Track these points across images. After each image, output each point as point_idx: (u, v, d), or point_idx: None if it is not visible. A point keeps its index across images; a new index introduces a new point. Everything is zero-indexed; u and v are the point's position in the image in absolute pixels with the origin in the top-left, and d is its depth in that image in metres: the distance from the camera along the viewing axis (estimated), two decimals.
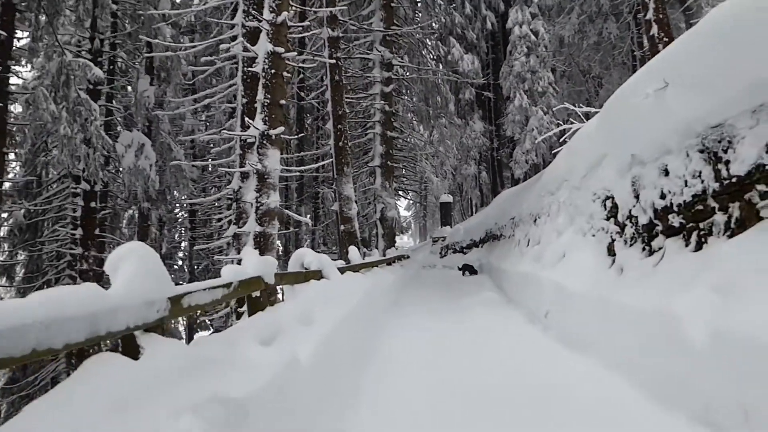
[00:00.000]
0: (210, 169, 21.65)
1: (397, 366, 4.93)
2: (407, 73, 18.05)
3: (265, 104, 9.28)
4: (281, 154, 9.90)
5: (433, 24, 28.88)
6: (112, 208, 24.34)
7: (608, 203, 6.00)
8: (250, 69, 9.54)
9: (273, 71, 9.31)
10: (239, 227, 9.51)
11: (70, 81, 10.94)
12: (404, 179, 31.71)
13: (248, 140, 9.59)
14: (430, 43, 20.48)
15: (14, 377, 23.44)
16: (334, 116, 13.10)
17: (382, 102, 17.18)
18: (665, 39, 14.09)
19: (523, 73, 27.92)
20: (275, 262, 4.05)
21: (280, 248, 33.50)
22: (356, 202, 22.90)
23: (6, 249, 25.17)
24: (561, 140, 21.33)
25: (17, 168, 29.22)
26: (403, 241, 63.86)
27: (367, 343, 5.28)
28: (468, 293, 12.34)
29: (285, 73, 9.49)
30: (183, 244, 34.77)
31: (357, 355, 4.61)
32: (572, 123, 10.00)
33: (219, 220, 13.00)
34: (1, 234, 24.91)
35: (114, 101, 18.63)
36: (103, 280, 20.01)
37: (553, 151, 21.13)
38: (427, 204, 54.81)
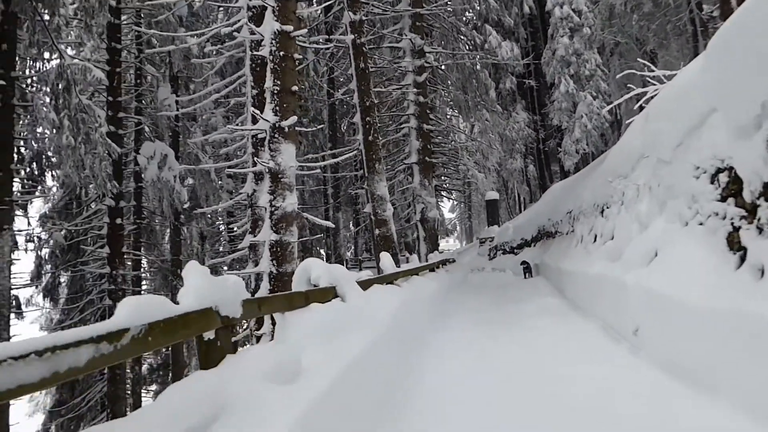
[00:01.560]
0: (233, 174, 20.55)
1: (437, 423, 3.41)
2: (441, 61, 16.52)
3: (275, 92, 7.95)
4: (297, 148, 8.56)
5: (467, 13, 27.25)
6: (147, 224, 23.76)
7: (722, 177, 4.34)
8: (256, 53, 8.23)
9: (282, 53, 7.98)
10: (254, 236, 8.20)
11: (71, 86, 9.96)
12: (445, 178, 30.09)
13: (259, 135, 8.29)
14: (464, 29, 18.85)
15: (62, 399, 23.05)
16: (362, 108, 11.73)
17: (416, 93, 15.71)
18: None
19: (568, 57, 25.91)
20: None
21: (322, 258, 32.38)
22: (394, 203, 21.46)
23: (48, 271, 24.89)
24: (613, 126, 19.11)
25: (55, 189, 29.08)
26: (449, 244, 62.00)
27: (394, 388, 3.81)
28: (524, 299, 10.71)
29: (296, 55, 8.14)
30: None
31: (374, 412, 3.15)
32: (643, 88, 8.28)
33: (231, 230, 11.77)
34: (44, 256, 24.66)
35: (144, 114, 17.89)
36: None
37: (626, 122, 19.04)
38: (472, 204, 52.86)
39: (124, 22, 16.82)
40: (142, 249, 23.62)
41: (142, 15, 17.41)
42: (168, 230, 26.79)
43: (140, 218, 20.65)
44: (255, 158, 7.78)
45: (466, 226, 60.67)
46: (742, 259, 3.94)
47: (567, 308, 8.92)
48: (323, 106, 25.32)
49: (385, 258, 7.35)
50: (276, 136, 7.91)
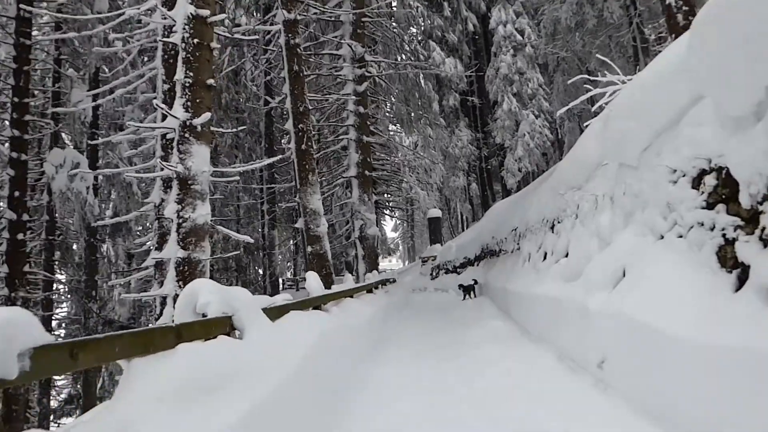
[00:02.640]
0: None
1: None
2: (383, 71, 15.76)
3: (187, 85, 6.85)
4: (212, 150, 7.45)
5: (411, 29, 26.85)
6: (62, 240, 21.67)
7: (708, 180, 3.59)
8: (167, 40, 7.10)
9: (195, 41, 6.90)
10: (159, 253, 6.99)
11: None
12: (388, 195, 29.30)
13: (168, 135, 7.13)
14: (407, 45, 18.21)
15: None
16: (294, 113, 10.72)
17: (356, 102, 14.85)
18: (684, 7, 11.80)
19: (511, 75, 25.91)
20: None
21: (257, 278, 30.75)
22: (332, 220, 20.39)
23: None
24: (556, 144, 18.82)
25: None
26: (392, 264, 61.24)
27: None
28: (470, 323, 9.87)
29: (213, 44, 7.07)
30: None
31: None
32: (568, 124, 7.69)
33: (141, 245, 10.43)
34: None
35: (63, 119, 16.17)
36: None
37: (567, 143, 18.81)
38: (415, 223, 52.40)
39: (41, 13, 15.21)
40: (57, 268, 21.54)
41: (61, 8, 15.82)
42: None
43: (52, 234, 18.72)
44: (161, 162, 6.59)
45: (408, 246, 60.15)
46: (742, 280, 3.17)
47: (516, 333, 8.12)
48: (260, 119, 24.14)
49: (311, 279, 6.30)
50: (186, 135, 6.79)
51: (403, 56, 18.11)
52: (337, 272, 25.64)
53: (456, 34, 27.48)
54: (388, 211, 31.72)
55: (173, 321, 3.28)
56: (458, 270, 19.62)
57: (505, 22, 26.20)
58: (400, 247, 67.28)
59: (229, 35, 7.92)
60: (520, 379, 5.17)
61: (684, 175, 3.92)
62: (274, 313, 4.19)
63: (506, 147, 25.59)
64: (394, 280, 16.82)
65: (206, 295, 3.26)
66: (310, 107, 11.23)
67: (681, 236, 3.87)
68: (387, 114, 20.78)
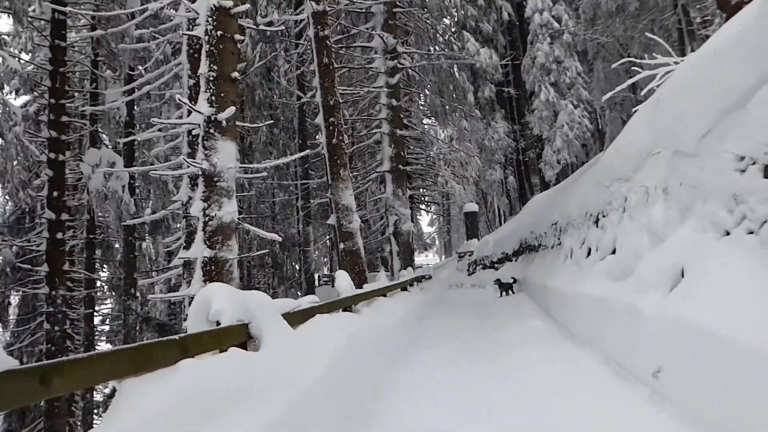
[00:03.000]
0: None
1: None
2: (416, 63, 15.35)
3: (211, 79, 6.64)
4: (247, 147, 7.21)
5: (445, 20, 26.31)
6: (103, 239, 22.07)
7: None
8: (191, 34, 6.92)
9: (219, 33, 6.68)
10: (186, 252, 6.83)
11: None
12: (423, 190, 28.90)
13: (194, 131, 6.95)
14: (440, 30, 17.70)
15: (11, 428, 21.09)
16: (325, 107, 10.46)
17: (388, 94, 14.50)
18: None
19: (548, 65, 25.08)
20: None
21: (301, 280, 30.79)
22: (365, 216, 20.10)
23: None
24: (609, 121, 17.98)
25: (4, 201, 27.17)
26: (428, 259, 60.77)
27: None
28: (507, 321, 9.45)
29: (237, 36, 6.84)
30: None
31: None
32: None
33: (171, 244, 10.34)
34: None
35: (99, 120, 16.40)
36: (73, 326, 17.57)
37: (608, 134, 18.08)
38: (451, 218, 51.76)
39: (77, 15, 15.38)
40: (95, 266, 21.94)
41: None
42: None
43: (93, 233, 19.03)
44: (185, 159, 6.41)
45: (445, 241, 59.56)
46: None
47: (558, 334, 7.67)
48: (293, 115, 24.05)
49: (341, 278, 6.02)
50: (211, 131, 6.58)
51: (437, 47, 17.64)
52: (373, 268, 25.41)
53: (490, 24, 26.80)
54: (423, 206, 31.33)
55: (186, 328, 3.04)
56: (496, 265, 19.11)
57: (541, 9, 25.37)
58: (437, 242, 66.69)
59: (255, 27, 7.68)
60: (563, 385, 4.78)
61: (754, 163, 3.45)
62: (298, 318, 3.91)
63: (544, 138, 24.82)
64: (430, 277, 16.46)
65: (220, 302, 3.00)
66: (341, 101, 10.96)
67: (752, 232, 3.42)
68: (421, 107, 20.38)
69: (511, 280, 14.38)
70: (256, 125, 7.42)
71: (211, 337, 2.68)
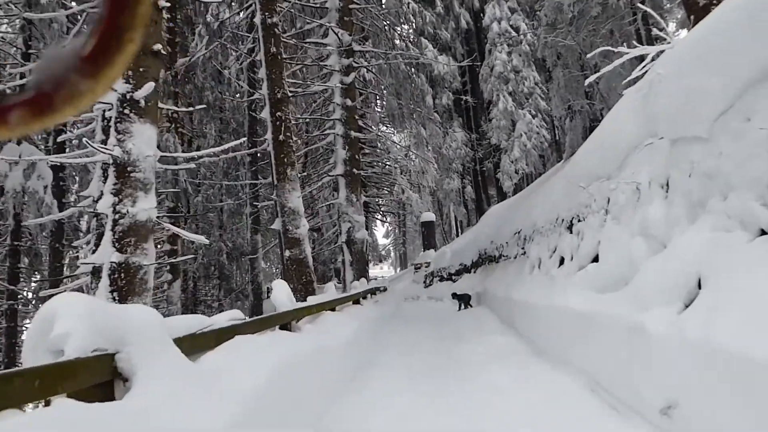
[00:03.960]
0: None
1: None
2: (372, 63, 14.51)
3: None
4: (162, 131, 6.16)
5: (403, 25, 25.70)
6: (29, 246, 20.20)
7: None
8: None
9: None
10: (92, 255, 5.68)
11: None
12: (378, 199, 28.01)
13: (107, 112, 5.84)
14: (398, 34, 16.92)
15: None
16: (272, 100, 9.44)
17: (342, 94, 13.58)
18: None
19: (506, 73, 24.77)
20: None
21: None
22: (318, 223, 19.05)
23: None
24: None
25: None
26: (383, 271, 59.87)
27: None
28: (470, 337, 8.61)
29: (162, 2, 5.77)
30: None
31: None
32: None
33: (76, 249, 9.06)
34: None
35: None
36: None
37: (568, 142, 17.65)
38: (407, 229, 51.08)
39: None
40: (21, 274, 20.03)
41: None
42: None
43: (17, 239, 17.26)
44: (89, 142, 5.27)
45: (400, 252, 58.79)
46: None
47: (527, 351, 6.85)
48: (244, 118, 22.83)
49: (278, 290, 5.00)
50: (126, 111, 5.48)
51: (394, 49, 16.86)
52: (327, 279, 24.30)
53: (449, 31, 26.34)
54: (379, 216, 30.45)
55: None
56: (453, 277, 18.36)
57: (499, 18, 25.11)
58: (392, 254, 65.90)
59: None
60: (543, 420, 3.91)
61: None
62: (208, 342, 2.88)
63: (502, 148, 24.43)
64: (385, 289, 15.53)
65: (67, 321, 1.96)
66: (291, 95, 9.97)
67: None
68: (377, 112, 19.55)
69: (469, 293, 13.61)
70: (187, 110, 6.33)
71: (30, 379, 1.64)
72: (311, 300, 6.16)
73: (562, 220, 7.38)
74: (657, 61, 4.84)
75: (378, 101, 19.06)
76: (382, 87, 15.91)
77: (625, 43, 17.42)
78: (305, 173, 16.15)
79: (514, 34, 25.18)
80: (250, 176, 20.60)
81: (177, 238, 20.63)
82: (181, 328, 2.71)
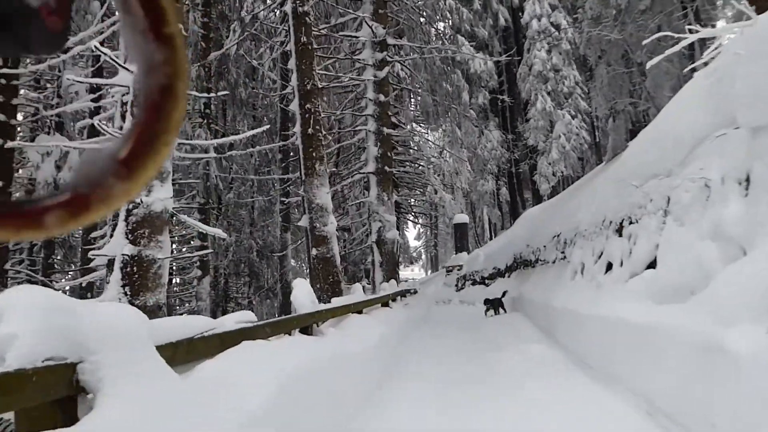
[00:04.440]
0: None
1: None
2: (407, 57, 14.03)
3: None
4: (195, 127, 5.81)
5: (439, 23, 25.16)
6: (63, 241, 20.42)
7: None
8: None
9: None
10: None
11: None
12: (411, 200, 27.51)
13: (125, 97, 5.53)
14: (433, 31, 16.35)
15: None
16: (301, 92, 9.08)
17: (375, 89, 13.16)
18: None
19: (545, 72, 24.00)
20: None
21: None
22: (348, 225, 18.61)
23: None
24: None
25: None
26: (414, 273, 59.30)
27: None
28: (504, 344, 8.06)
29: None
30: None
31: None
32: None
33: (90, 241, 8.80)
34: None
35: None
36: None
37: (609, 144, 16.92)
38: (438, 231, 50.40)
39: None
40: (59, 268, 20.25)
41: None
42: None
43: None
44: (100, 125, 4.95)
45: (431, 255, 58.13)
46: None
47: (568, 363, 6.26)
48: (276, 114, 22.65)
49: (299, 290, 4.57)
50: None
51: (429, 44, 16.29)
52: (357, 280, 23.92)
53: (486, 29, 25.68)
54: (411, 216, 29.94)
55: None
56: (486, 281, 17.74)
57: (539, 15, 24.35)
58: (423, 256, 65.25)
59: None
60: None
61: None
62: (212, 348, 2.45)
63: (539, 150, 23.66)
64: (416, 291, 15.04)
65: (14, 320, 1.54)
66: (320, 87, 9.59)
67: None
68: (411, 110, 19.05)
69: (500, 295, 12.89)
70: (218, 94, 5.96)
71: None
72: (336, 301, 5.73)
73: (610, 222, 6.77)
74: (731, 43, 4.24)
75: (412, 98, 18.55)
76: (417, 83, 15.39)
77: (673, 41, 16.51)
78: (336, 170, 15.78)
79: (554, 31, 24.40)
80: (280, 173, 20.39)
81: (205, 234, 20.61)
82: (176, 331, 2.29)
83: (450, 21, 24.63)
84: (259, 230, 26.96)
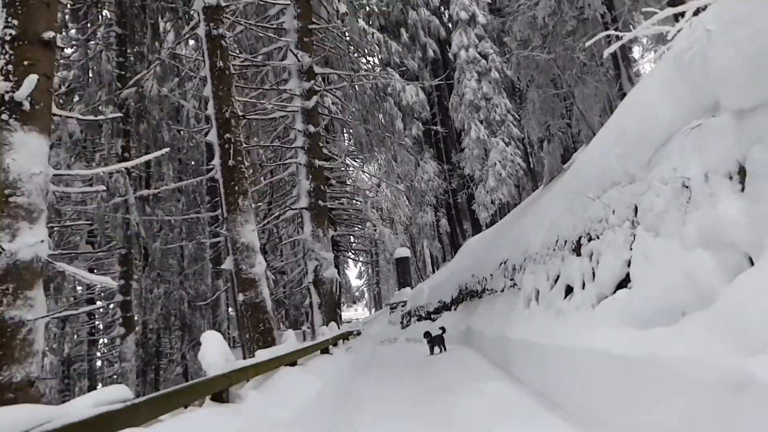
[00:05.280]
0: None
1: None
2: (335, 86, 13.38)
3: (7, 39, 4.26)
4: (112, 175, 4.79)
5: (368, 57, 24.95)
6: None
7: None
8: None
9: None
10: None
11: None
12: (350, 237, 26.65)
13: None
14: (363, 62, 15.87)
15: None
16: (219, 121, 8.18)
17: (304, 119, 12.40)
18: None
19: (477, 101, 24.12)
20: None
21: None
22: (281, 266, 17.51)
23: None
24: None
25: None
26: (357, 313, 57.94)
27: None
28: (459, 385, 7.26)
29: None
30: None
31: None
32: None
33: None
34: None
35: None
36: None
37: (546, 170, 16.71)
38: (380, 268, 49.55)
39: None
40: None
41: None
42: None
43: None
44: None
45: (374, 293, 57.11)
46: None
47: (535, 405, 5.50)
48: (202, 156, 21.48)
49: (209, 344, 3.62)
50: (3, 118, 4.14)
51: (360, 72, 15.74)
52: (299, 325, 22.57)
53: (416, 61, 25.69)
54: (351, 254, 29.01)
55: None
56: (432, 316, 16.99)
57: (467, 46, 24.60)
58: (366, 295, 64.07)
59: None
60: None
61: None
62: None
63: (476, 178, 23.54)
64: (359, 332, 14.06)
65: None
66: (241, 114, 8.72)
67: None
68: (344, 142, 18.40)
69: (440, 330, 12.01)
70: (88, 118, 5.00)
71: None
72: (261, 354, 4.76)
73: (565, 241, 6.18)
74: (694, 24, 3.74)
75: (344, 131, 17.91)
76: (348, 114, 14.76)
77: (599, 61, 16.63)
78: (269, 208, 14.76)
79: (483, 61, 24.67)
80: (209, 218, 19.14)
81: (129, 287, 18.92)
82: None
83: (379, 54, 24.47)
84: (190, 279, 25.29)
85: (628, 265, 4.22)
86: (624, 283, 4.31)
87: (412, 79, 25.77)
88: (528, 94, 17.70)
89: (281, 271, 17.12)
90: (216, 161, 8.16)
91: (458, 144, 25.02)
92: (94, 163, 18.67)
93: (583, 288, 5.32)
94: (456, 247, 26.32)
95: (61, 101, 20.24)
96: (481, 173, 23.22)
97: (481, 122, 23.70)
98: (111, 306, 21.30)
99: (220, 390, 3.51)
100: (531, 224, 8.60)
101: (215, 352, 3.60)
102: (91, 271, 23.88)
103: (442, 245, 27.89)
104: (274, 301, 21.04)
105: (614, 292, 4.43)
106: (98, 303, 22.31)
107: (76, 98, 20.27)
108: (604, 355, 3.92)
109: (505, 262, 10.27)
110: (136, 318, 23.97)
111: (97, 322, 23.89)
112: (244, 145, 8.42)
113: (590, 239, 5.29)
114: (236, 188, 8.01)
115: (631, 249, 4.23)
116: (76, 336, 25.43)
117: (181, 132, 25.23)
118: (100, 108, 18.83)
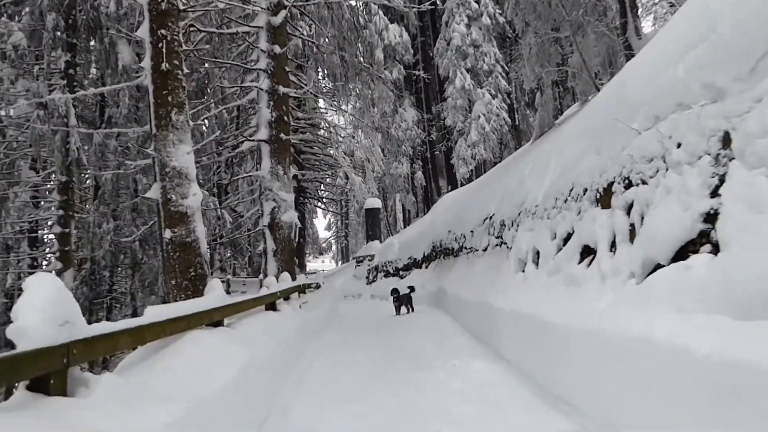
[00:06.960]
0: None
1: None
2: (310, 2, 11.46)
3: None
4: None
5: None
6: None
7: None
8: None
9: None
10: None
11: None
12: (320, 185, 24.98)
13: None
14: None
15: None
16: (153, 13, 6.41)
17: (269, 38, 10.56)
18: None
19: (464, 48, 22.26)
20: None
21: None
22: (237, 204, 15.81)
23: None
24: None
25: None
26: (324, 264, 56.73)
27: None
28: (432, 360, 5.95)
29: None
30: None
31: None
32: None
33: None
34: None
35: None
36: None
37: (535, 123, 15.21)
38: (349, 221, 48.06)
39: None
40: None
41: None
42: None
43: None
44: None
45: (342, 245, 55.81)
46: None
47: (537, 401, 4.16)
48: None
49: (31, 296, 2.09)
50: None
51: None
52: (255, 274, 21.08)
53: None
54: (320, 204, 27.40)
55: None
56: (401, 273, 15.72)
57: None
58: (333, 247, 62.77)
59: None
60: None
61: None
62: None
63: (458, 131, 21.95)
64: (318, 286, 12.66)
65: None
66: (182, 8, 6.92)
67: None
68: (315, 74, 16.53)
69: (408, 289, 10.82)
70: None
71: None
72: (154, 313, 3.21)
73: (585, 189, 4.75)
74: None
75: (317, 63, 15.98)
76: (323, 41, 12.87)
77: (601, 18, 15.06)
78: (222, 136, 12.97)
79: (474, 5, 22.73)
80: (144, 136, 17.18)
81: (70, 218, 17.13)
82: None
83: None
84: (144, 215, 23.42)
85: (708, 221, 2.82)
86: (693, 245, 2.93)
87: (396, 19, 23.75)
88: (524, 38, 16.01)
89: (240, 214, 15.48)
90: (146, 63, 6.44)
91: (441, 93, 23.31)
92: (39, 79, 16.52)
93: (612, 250, 3.94)
94: (431, 203, 24.96)
95: (8, 11, 17.98)
96: (463, 125, 21.62)
97: (468, 71, 21.95)
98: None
99: (42, 375, 2.03)
100: (530, 173, 7.15)
101: (39, 312, 2.08)
102: (33, 200, 21.92)
103: (416, 199, 26.43)
104: (231, 244, 19.46)
105: (674, 259, 3.05)
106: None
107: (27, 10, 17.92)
108: (676, 353, 2.52)
109: (490, 217, 8.88)
110: (80, 253, 22.16)
111: (37, 255, 22.07)
112: (183, 47, 6.64)
113: (629, 185, 3.87)
114: (169, 99, 6.34)
115: (713, 196, 2.82)
116: (18, 264, 23.60)
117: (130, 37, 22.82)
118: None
